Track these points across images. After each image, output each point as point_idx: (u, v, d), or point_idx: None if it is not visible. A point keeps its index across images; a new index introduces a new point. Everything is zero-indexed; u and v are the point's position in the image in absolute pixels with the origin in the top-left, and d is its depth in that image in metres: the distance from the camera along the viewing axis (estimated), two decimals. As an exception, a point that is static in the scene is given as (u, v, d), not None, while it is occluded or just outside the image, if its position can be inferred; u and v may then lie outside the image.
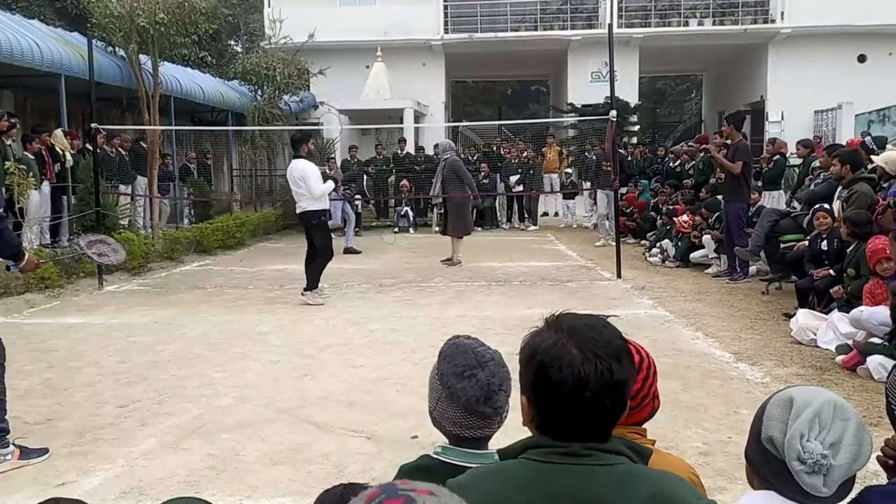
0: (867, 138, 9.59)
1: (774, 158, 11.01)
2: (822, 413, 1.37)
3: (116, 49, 12.91)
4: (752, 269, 9.23)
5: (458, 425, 1.64)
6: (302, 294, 8.07)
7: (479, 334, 6.18)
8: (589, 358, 1.24)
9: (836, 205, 7.41)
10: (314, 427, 4.23)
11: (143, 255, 10.52)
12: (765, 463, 1.42)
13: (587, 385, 1.23)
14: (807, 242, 7.48)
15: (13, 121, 10.23)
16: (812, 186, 8.72)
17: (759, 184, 10.65)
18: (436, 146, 12.25)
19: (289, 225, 16.83)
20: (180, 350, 6.07)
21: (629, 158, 15.70)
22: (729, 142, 9.15)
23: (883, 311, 5.10)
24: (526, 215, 16.98)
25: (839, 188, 7.51)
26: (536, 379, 1.27)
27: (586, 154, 16.56)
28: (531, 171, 16.65)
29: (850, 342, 5.37)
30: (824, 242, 7.03)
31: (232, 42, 28.75)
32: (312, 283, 8.11)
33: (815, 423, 1.36)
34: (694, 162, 12.68)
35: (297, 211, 8.20)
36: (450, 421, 1.64)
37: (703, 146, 12.17)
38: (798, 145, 10.94)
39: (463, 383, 1.61)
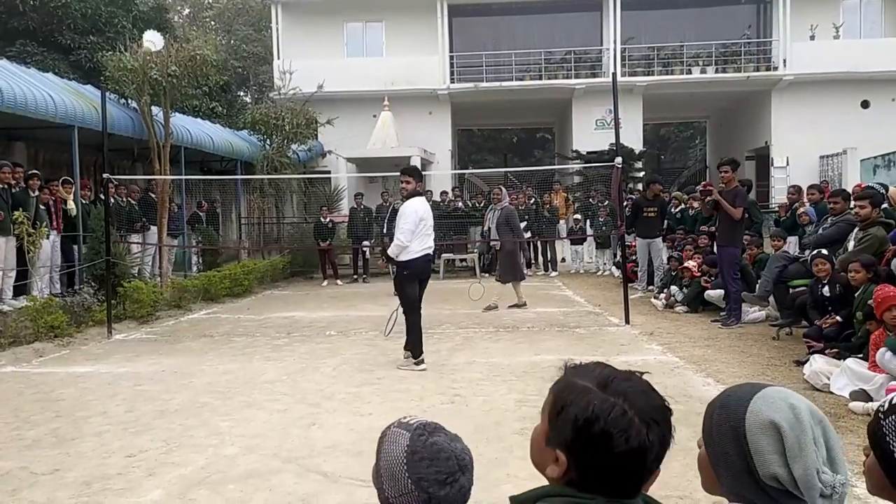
0: (874, 182, 9.63)
1: (794, 206, 11.01)
2: (815, 432, 1.30)
3: (129, 101, 13.15)
4: (761, 314, 9.19)
5: None
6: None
7: (487, 381, 6.09)
8: (652, 427, 1.22)
9: (851, 247, 7.38)
10: (322, 477, 4.18)
11: (152, 303, 10.55)
12: (764, 496, 1.32)
13: (650, 455, 1.22)
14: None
15: (30, 172, 10.43)
16: (820, 231, 8.70)
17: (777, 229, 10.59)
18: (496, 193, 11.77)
19: (296, 272, 16.89)
20: (187, 399, 6.04)
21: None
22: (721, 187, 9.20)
23: None
24: (539, 260, 16.99)
25: (855, 230, 7.49)
26: (597, 447, 1.22)
27: (633, 195, 15.54)
28: (541, 217, 16.68)
29: (865, 387, 5.31)
30: (825, 288, 7.00)
31: (242, 93, 29.27)
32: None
33: (816, 448, 1.29)
34: (696, 208, 12.64)
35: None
36: None
37: (708, 190, 12.16)
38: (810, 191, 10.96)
39: (445, 490, 1.50)
